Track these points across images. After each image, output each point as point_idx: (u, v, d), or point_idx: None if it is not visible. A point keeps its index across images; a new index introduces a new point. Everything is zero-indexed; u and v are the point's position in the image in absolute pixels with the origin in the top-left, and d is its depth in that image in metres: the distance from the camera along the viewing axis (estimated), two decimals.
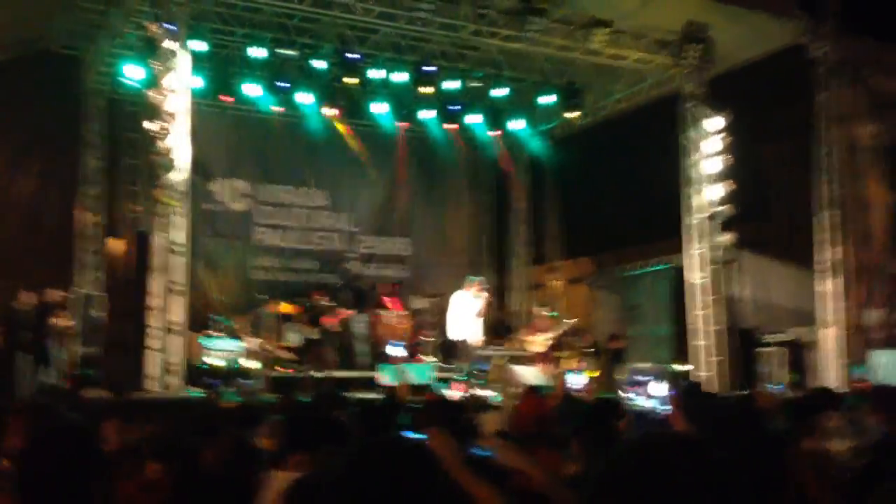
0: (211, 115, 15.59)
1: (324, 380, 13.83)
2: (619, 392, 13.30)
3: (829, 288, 14.21)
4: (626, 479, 1.52)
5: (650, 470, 1.52)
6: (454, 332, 13.22)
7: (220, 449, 2.84)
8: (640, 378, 13.05)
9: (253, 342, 13.72)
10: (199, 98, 14.30)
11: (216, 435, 3.65)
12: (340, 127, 16.98)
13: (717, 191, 14.34)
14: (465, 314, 13.06)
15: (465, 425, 4.21)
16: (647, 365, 14.26)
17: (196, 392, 11.63)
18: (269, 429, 4.15)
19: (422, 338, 15.79)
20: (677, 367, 13.96)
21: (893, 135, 14.66)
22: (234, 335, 13.80)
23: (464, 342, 13.13)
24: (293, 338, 14.37)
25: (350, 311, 14.31)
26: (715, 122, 14.43)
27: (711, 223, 14.51)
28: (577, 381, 13.57)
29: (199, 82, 13.81)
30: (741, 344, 14.53)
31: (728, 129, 14.39)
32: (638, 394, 12.79)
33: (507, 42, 14.06)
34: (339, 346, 15.45)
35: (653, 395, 12.02)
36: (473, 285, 13.46)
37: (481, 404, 10.56)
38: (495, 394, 12.50)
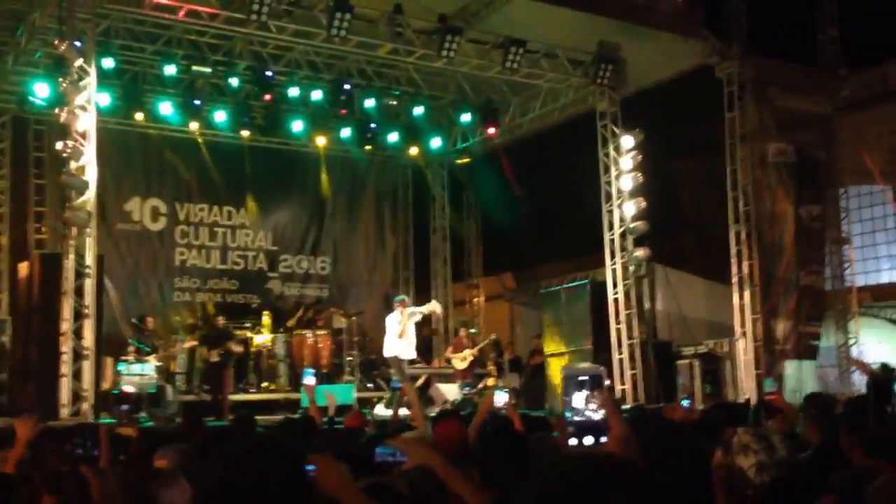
0: (123, 133, 15.25)
1: (244, 403, 13.62)
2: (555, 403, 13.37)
3: (742, 300, 14.60)
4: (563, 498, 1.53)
5: (586, 491, 1.53)
6: (387, 350, 13.31)
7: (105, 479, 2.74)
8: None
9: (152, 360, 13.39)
10: (110, 116, 14.01)
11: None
12: (262, 143, 16.77)
13: (632, 207, 14.61)
14: (392, 335, 13.11)
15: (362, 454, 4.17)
16: (584, 365, 14.24)
17: (107, 419, 11.28)
18: (166, 455, 4.02)
19: (347, 357, 15.67)
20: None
21: (799, 151, 15.20)
22: (148, 359, 13.43)
23: (394, 358, 13.18)
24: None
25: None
26: (629, 140, 14.72)
27: (627, 238, 14.78)
28: (500, 398, 13.58)
29: (107, 100, 13.47)
30: (658, 357, 14.80)
31: (642, 147, 14.69)
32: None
33: (423, 61, 14.10)
34: (254, 368, 15.24)
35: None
36: (396, 306, 13.49)
37: (405, 426, 10.47)
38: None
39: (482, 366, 15.66)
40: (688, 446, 2.76)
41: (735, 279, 14.71)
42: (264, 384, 15.15)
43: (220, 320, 14.43)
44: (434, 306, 14.43)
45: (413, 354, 13.66)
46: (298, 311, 16.39)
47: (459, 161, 18.70)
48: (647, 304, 15.37)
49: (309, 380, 12.42)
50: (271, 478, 2.00)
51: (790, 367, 14.65)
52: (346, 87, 14.91)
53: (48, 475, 3.55)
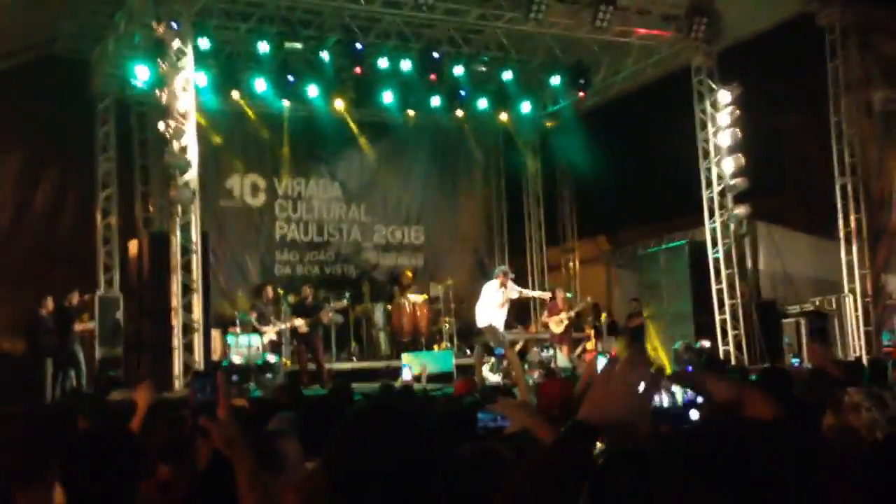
0: (221, 112, 15.62)
1: (344, 371, 13.95)
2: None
3: (850, 255, 14.13)
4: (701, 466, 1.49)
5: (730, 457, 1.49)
6: (480, 320, 13.31)
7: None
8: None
9: (270, 331, 13.84)
10: (207, 96, 14.37)
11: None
12: (353, 116, 16.95)
13: (731, 164, 14.25)
14: (491, 304, 13.12)
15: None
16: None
17: None
18: (280, 424, 4.18)
19: (444, 325, 15.86)
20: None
21: None
22: (255, 330, 13.89)
23: (490, 327, 13.22)
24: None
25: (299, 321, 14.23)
26: (726, 95, 14.33)
27: (726, 196, 14.43)
28: (603, 363, 13.54)
29: (205, 80, 13.83)
30: (762, 316, 14.47)
31: (739, 102, 14.29)
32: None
33: (511, 24, 13.98)
34: (354, 337, 15.57)
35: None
36: (498, 276, 13.50)
37: (507, 390, 10.57)
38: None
39: (580, 329, 15.61)
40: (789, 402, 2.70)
41: (842, 233, 14.23)
42: None
43: (307, 291, 14.81)
44: (546, 295, 14.60)
45: (502, 327, 13.65)
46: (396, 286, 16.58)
47: (550, 124, 18.51)
48: (749, 263, 15.02)
49: (406, 373, 12.81)
50: (393, 445, 2.04)
51: None
52: (435, 55, 14.91)
53: (163, 444, 3.70)
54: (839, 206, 14.25)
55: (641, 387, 1.73)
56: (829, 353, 5.83)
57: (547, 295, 15.03)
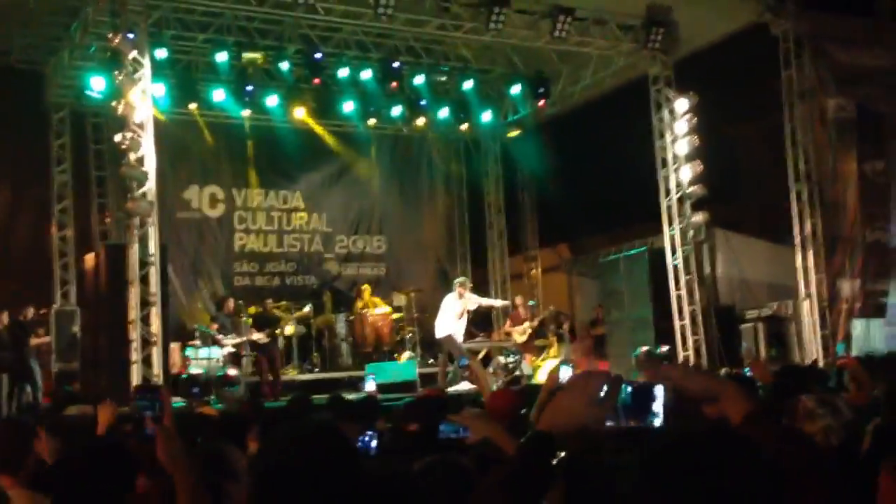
0: (179, 123, 15.48)
1: (307, 382, 13.86)
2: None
3: (806, 261, 14.34)
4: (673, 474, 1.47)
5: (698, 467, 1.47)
6: (440, 331, 13.31)
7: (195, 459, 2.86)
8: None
9: (230, 343, 13.72)
10: (164, 107, 14.24)
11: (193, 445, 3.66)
12: (314, 126, 16.88)
13: (689, 172, 14.41)
14: (450, 315, 13.15)
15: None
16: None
17: (179, 402, 11.55)
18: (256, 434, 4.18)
19: (408, 335, 15.84)
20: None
21: (860, 106, 14.81)
22: (215, 343, 13.77)
23: (449, 337, 13.21)
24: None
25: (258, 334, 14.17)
26: (683, 104, 14.49)
27: (685, 204, 14.59)
28: (565, 374, 13.57)
29: (162, 91, 13.70)
30: (720, 322, 14.63)
31: (696, 110, 14.45)
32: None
33: (471, 35, 14.03)
34: (316, 348, 15.49)
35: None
36: (456, 288, 13.54)
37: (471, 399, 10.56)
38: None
39: (543, 336, 15.67)
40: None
41: (798, 239, 14.44)
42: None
43: (269, 303, 14.75)
44: (505, 304, 14.61)
45: (461, 338, 13.66)
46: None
47: (511, 134, 18.60)
48: (707, 269, 15.19)
49: (370, 385, 12.79)
50: (318, 459, 2.03)
51: (858, 327, 14.37)
52: (395, 65, 14.91)
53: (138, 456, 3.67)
54: (794, 212, 14.46)
55: (602, 394, 1.74)
56: (768, 366, 5.93)
57: (506, 304, 15.05)
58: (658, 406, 1.82)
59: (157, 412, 2.69)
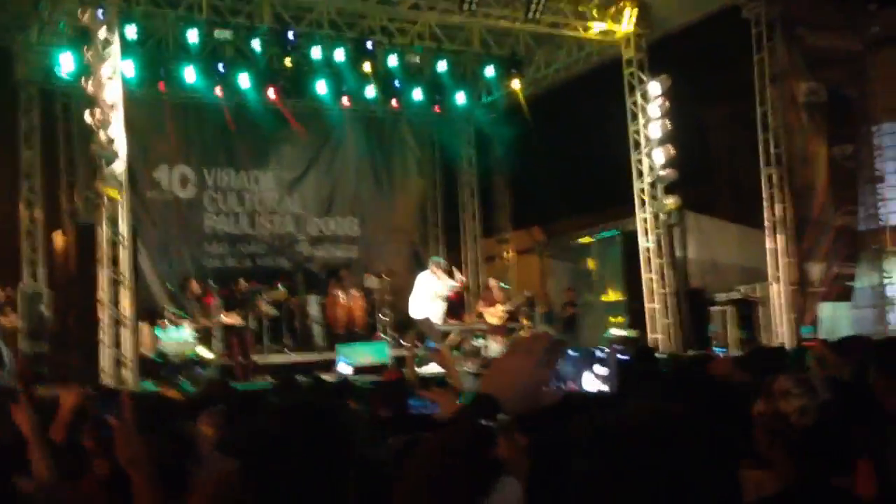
0: (149, 102, 15.27)
1: (283, 365, 13.80)
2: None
3: (775, 244, 14.46)
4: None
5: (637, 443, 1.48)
6: (415, 311, 13.25)
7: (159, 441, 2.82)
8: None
9: (192, 326, 13.59)
10: (134, 85, 14.03)
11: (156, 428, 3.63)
12: (282, 108, 16.72)
13: (661, 155, 14.47)
14: (426, 295, 13.08)
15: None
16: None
17: (150, 384, 11.48)
18: (210, 418, 4.13)
19: (380, 316, 15.81)
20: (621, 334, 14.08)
21: (830, 90, 14.93)
22: (182, 324, 13.65)
23: (426, 320, 13.17)
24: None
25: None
26: (656, 87, 14.54)
27: (657, 187, 14.66)
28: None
29: (132, 69, 13.49)
30: (691, 305, 14.75)
31: (669, 93, 14.50)
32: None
33: (445, 15, 13.96)
34: (288, 330, 15.43)
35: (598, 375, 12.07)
36: (432, 266, 13.48)
37: (439, 381, 10.59)
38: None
39: (515, 319, 15.71)
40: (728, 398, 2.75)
41: (768, 223, 14.57)
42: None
43: (243, 284, 14.63)
44: (460, 281, 14.49)
45: (438, 320, 13.63)
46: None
47: (485, 115, 18.56)
48: (678, 253, 15.29)
49: (343, 367, 12.75)
50: (305, 440, 2.01)
51: (825, 310, 14.54)
52: (369, 45, 14.81)
53: (98, 441, 3.63)
54: (765, 195, 14.58)
55: (543, 355, 1.74)
56: (731, 363, 5.98)
57: (461, 280, 14.72)
58: (600, 370, 1.85)
59: (118, 415, 2.65)
